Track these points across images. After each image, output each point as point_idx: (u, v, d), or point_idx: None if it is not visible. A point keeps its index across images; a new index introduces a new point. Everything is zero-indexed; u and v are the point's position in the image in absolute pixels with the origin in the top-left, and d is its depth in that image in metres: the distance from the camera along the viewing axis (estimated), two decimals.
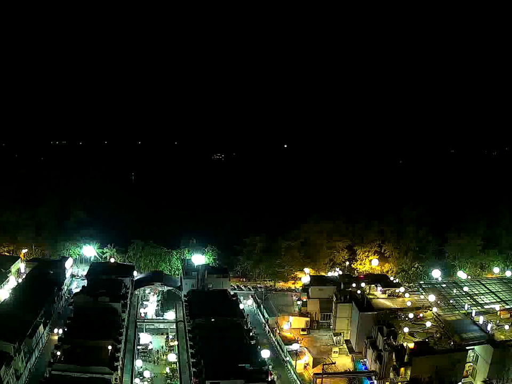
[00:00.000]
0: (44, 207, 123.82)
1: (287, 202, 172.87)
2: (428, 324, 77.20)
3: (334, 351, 78.46)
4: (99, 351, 63.61)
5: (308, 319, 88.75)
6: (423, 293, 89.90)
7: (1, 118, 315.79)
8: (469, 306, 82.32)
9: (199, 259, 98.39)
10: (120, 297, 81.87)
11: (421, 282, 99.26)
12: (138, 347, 77.57)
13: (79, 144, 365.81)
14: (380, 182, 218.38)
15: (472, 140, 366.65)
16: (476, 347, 70.37)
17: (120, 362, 66.23)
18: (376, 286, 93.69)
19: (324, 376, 68.02)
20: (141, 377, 68.95)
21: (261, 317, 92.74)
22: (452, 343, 70.57)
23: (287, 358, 76.96)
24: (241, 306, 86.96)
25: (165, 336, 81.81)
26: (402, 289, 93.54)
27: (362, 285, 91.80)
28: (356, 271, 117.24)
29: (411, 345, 69.36)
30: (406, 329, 74.80)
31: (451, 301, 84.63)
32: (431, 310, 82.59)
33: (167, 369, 72.50)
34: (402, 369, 66.80)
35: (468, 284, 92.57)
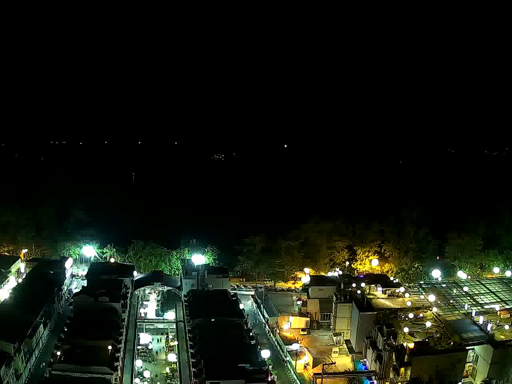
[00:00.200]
0: (44, 207, 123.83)
1: (287, 203, 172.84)
2: (428, 324, 77.17)
3: (334, 351, 78.44)
4: (99, 351, 63.59)
5: (308, 319, 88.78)
6: (423, 293, 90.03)
7: (1, 118, 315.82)
8: (469, 306, 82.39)
9: (199, 259, 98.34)
10: (120, 297, 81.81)
11: (421, 282, 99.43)
12: (138, 347, 77.63)
13: (79, 144, 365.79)
14: (379, 182, 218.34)
15: (472, 140, 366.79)
16: (476, 347, 70.41)
17: (120, 362, 66.20)
18: (376, 286, 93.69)
19: (324, 376, 67.96)
20: (141, 377, 69.01)
21: (261, 317, 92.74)
22: (452, 343, 70.55)
23: (287, 358, 76.98)
24: (241, 306, 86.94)
25: (165, 336, 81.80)
26: (402, 289, 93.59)
27: (362, 285, 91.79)
28: (355, 271, 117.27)
29: (411, 345, 69.35)
30: (406, 329, 74.78)
31: (451, 301, 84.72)
32: (431, 310, 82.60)
33: (167, 369, 72.59)
34: (402, 369, 66.80)
35: (468, 283, 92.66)
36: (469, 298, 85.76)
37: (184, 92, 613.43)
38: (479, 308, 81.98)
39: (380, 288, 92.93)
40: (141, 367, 71.55)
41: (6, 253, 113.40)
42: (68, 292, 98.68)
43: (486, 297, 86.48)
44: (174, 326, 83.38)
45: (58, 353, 63.06)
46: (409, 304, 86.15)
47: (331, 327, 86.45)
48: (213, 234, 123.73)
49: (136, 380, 67.64)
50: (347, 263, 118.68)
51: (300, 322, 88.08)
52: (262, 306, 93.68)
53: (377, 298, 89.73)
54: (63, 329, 72.17)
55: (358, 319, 79.36)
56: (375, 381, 69.60)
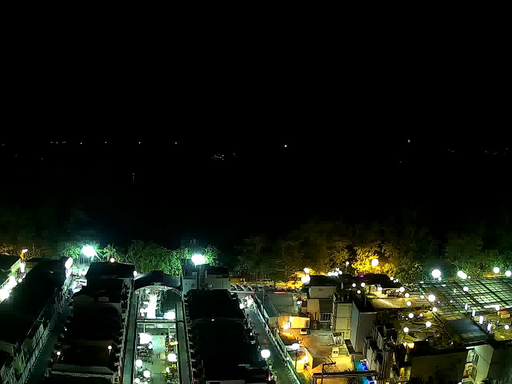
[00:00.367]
0: (44, 207, 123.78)
1: (287, 203, 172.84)
2: (428, 324, 77.16)
3: (334, 351, 78.42)
4: (99, 351, 63.52)
5: (308, 319, 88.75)
6: (423, 293, 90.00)
7: (1, 118, 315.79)
8: (469, 306, 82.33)
9: (199, 259, 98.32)
10: (120, 297, 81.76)
11: (421, 282, 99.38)
12: (138, 347, 77.60)
13: (79, 144, 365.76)
14: (379, 182, 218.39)
15: (472, 140, 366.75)
16: (475, 347, 70.39)
17: (120, 362, 66.16)
18: (376, 286, 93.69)
19: (324, 376, 67.93)
20: (141, 377, 68.96)
21: (261, 317, 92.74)
22: (452, 343, 70.53)
23: (287, 358, 76.96)
24: (241, 306, 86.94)
25: (165, 336, 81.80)
26: (402, 289, 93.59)
27: (362, 285, 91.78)
28: (356, 271, 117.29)
29: (411, 345, 69.33)
30: (406, 329, 74.77)
31: (451, 301, 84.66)
32: (431, 310, 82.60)
33: (167, 369, 72.52)
34: (402, 369, 66.78)
35: (468, 283, 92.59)
36: (469, 298, 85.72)
37: (184, 92, 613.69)
38: (479, 307, 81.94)
39: (379, 288, 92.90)
40: (141, 367, 71.48)
41: (6, 253, 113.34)
42: (67, 292, 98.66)
43: (486, 297, 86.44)
44: (174, 326, 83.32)
45: (58, 353, 63.00)
46: (409, 304, 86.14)
47: (331, 327, 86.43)
48: (213, 234, 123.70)
49: (136, 380, 67.59)
50: (347, 263, 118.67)
51: (300, 322, 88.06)
52: (262, 306, 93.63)
53: (377, 298, 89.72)
54: (63, 329, 72.10)
55: (358, 319, 79.34)
56: (375, 381, 69.59)
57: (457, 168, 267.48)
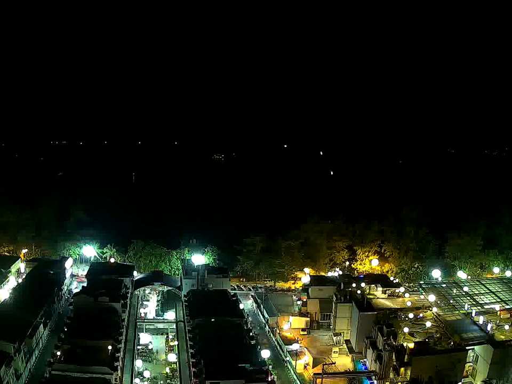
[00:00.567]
0: (44, 207, 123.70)
1: (287, 203, 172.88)
2: (428, 324, 77.14)
3: (334, 351, 78.41)
4: (99, 351, 63.52)
5: (308, 319, 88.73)
6: (423, 293, 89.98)
7: (1, 118, 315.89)
8: (469, 306, 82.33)
9: (199, 259, 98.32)
10: (120, 297, 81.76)
11: (421, 282, 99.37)
12: (138, 347, 77.57)
13: (79, 144, 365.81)
14: (379, 182, 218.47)
15: (472, 140, 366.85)
16: (475, 347, 70.38)
17: (120, 362, 66.15)
18: (376, 286, 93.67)
19: (324, 376, 67.95)
20: (141, 377, 68.93)
21: (261, 317, 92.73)
22: (452, 343, 70.52)
23: (287, 358, 76.95)
24: (241, 306, 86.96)
25: (165, 336, 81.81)
26: (402, 289, 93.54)
27: (362, 285, 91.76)
28: (356, 271, 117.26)
29: (411, 345, 69.33)
30: (406, 329, 74.75)
31: (451, 301, 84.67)
32: (431, 310, 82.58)
33: (167, 369, 72.48)
34: (402, 369, 66.78)
35: (468, 283, 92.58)
36: (469, 298, 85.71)
37: (184, 92, 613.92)
38: (479, 307, 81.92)
39: (379, 288, 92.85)
40: (141, 367, 71.46)
41: (6, 253, 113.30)
42: (67, 292, 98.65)
43: (486, 297, 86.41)
44: (174, 326, 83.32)
45: (58, 353, 63.01)
46: (409, 304, 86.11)
47: (331, 327, 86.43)
48: (213, 234, 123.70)
49: (136, 380, 67.56)
50: (347, 263, 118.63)
51: (300, 322, 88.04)
52: (262, 306, 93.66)
53: (377, 298, 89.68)
54: (63, 329, 72.07)
55: (358, 319, 79.33)
56: (375, 381, 69.60)
57: (457, 168, 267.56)
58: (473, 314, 78.65)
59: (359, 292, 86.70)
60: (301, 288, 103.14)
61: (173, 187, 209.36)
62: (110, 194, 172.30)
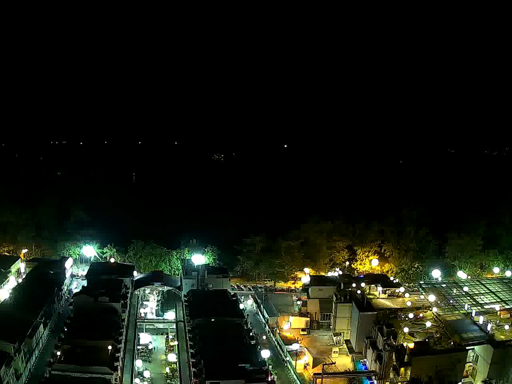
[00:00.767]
0: (44, 207, 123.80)
1: (287, 203, 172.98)
2: (428, 324, 77.17)
3: (334, 351, 78.37)
4: (99, 351, 63.52)
5: (308, 319, 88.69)
6: (423, 293, 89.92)
7: (1, 118, 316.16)
8: (469, 306, 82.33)
9: (199, 259, 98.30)
10: (120, 297, 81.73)
11: (421, 282, 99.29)
12: (138, 347, 77.56)
13: (79, 144, 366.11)
14: (380, 182, 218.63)
15: (472, 140, 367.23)
16: (475, 347, 70.35)
17: (120, 362, 66.15)
18: (376, 286, 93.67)
19: (324, 376, 67.93)
20: (141, 377, 68.91)
21: (261, 317, 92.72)
22: (452, 343, 70.55)
23: (287, 358, 76.95)
24: (241, 306, 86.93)
25: (165, 336, 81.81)
26: (402, 289, 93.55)
27: (362, 285, 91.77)
28: (356, 271, 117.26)
29: (411, 345, 69.33)
30: (406, 329, 74.79)
31: (451, 301, 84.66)
32: (431, 310, 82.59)
33: (167, 369, 72.49)
34: (402, 369, 66.75)
35: (468, 283, 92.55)
36: (469, 298, 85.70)
37: (184, 92, 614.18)
38: (479, 307, 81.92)
39: (379, 288, 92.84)
40: (141, 367, 71.46)
41: (6, 253, 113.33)
42: (67, 292, 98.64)
43: (486, 297, 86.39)
44: (174, 326, 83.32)
45: (58, 353, 62.98)
46: (409, 304, 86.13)
47: (331, 327, 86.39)
48: (213, 234, 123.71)
49: (136, 380, 67.55)
50: (347, 263, 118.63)
51: (300, 322, 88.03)
52: (262, 306, 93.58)
53: (377, 298, 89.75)
54: (63, 329, 72.03)
55: (358, 319, 79.30)
56: (375, 381, 69.57)
57: (457, 168, 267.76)
58: (473, 314, 78.63)
59: (359, 291, 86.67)
60: (301, 288, 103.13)
61: (173, 187, 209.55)
62: (110, 194, 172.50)
